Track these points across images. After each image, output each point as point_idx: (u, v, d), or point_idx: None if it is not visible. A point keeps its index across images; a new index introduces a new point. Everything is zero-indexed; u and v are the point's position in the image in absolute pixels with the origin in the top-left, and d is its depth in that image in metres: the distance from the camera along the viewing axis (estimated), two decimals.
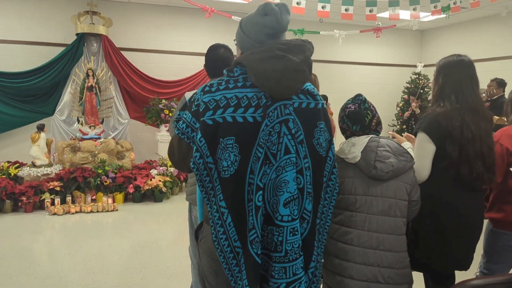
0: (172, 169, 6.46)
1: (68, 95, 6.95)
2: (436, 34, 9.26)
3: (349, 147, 1.89)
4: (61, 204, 5.51)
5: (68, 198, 5.58)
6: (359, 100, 1.96)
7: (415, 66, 9.37)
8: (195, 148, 1.50)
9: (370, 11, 4.64)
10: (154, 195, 6.07)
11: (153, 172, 6.31)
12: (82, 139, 6.60)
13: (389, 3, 4.68)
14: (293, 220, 1.47)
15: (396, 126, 8.96)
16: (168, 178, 6.22)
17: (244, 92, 1.51)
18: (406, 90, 8.92)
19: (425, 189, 1.95)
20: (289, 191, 1.47)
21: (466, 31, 8.53)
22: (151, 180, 6.09)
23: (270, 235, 1.48)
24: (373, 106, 1.96)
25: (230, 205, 1.48)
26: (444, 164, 2.01)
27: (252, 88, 1.51)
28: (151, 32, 7.74)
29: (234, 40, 1.82)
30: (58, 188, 5.62)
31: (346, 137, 2.00)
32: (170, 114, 7.05)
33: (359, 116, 1.92)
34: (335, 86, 8.83)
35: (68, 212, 5.39)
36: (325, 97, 7.77)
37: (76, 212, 5.44)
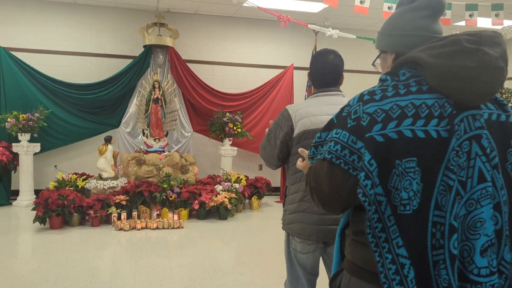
0: (237, 185, 6.17)
1: (133, 107, 6.90)
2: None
3: None
4: (127, 219, 5.35)
5: (134, 213, 5.43)
6: None
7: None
8: (363, 175, 1.13)
9: (470, 15, 4.14)
10: (219, 212, 5.80)
11: (218, 187, 6.06)
12: (147, 152, 6.48)
13: (491, 6, 4.17)
14: (491, 274, 1.09)
15: None
16: (233, 195, 5.94)
17: (421, 98, 1.15)
18: None
19: None
20: (487, 233, 1.09)
21: None
22: (216, 196, 5.83)
23: None
24: None
25: (414, 254, 1.10)
26: None
27: (430, 94, 1.16)
28: (216, 43, 7.59)
29: (374, 64, 1.49)
30: (124, 202, 5.48)
31: None
32: (234, 128, 6.81)
33: None
34: None
35: (134, 228, 5.22)
36: None
37: (142, 228, 5.25)
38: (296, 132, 2.12)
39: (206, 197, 5.77)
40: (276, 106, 7.38)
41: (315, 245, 2.17)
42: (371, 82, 8.57)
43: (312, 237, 2.14)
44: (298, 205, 2.17)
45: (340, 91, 2.23)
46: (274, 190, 7.00)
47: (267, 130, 2.32)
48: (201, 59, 7.52)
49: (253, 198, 6.49)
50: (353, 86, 8.57)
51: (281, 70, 7.58)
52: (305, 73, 7.91)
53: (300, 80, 7.72)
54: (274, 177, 7.48)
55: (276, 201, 7.21)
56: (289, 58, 7.77)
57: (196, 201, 5.72)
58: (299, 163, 1.52)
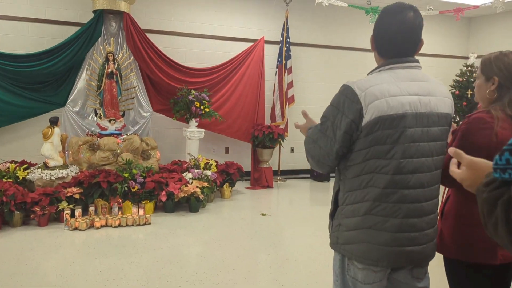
0: (208, 172, 5.49)
1: (82, 82, 5.92)
2: (486, 22, 8.36)
3: None
4: (82, 216, 4.52)
5: (91, 209, 4.60)
6: None
7: (463, 57, 8.49)
8: None
9: None
10: (190, 204, 5.11)
11: (187, 176, 5.34)
12: (101, 135, 5.59)
13: None
14: None
15: None
16: (206, 184, 5.26)
17: None
18: (456, 84, 8.02)
19: None
20: None
21: None
22: (186, 185, 5.12)
23: None
24: None
25: None
26: None
27: None
28: (177, 11, 6.72)
29: None
30: (77, 196, 4.63)
31: None
32: (202, 107, 6.06)
33: None
34: None
35: (92, 226, 4.41)
36: None
37: (102, 226, 4.46)
38: (366, 119, 1.51)
39: (174, 187, 5.05)
40: (245, 83, 6.71)
41: (383, 273, 1.60)
42: (369, 61, 8.14)
43: (382, 262, 1.57)
44: (362, 220, 1.58)
45: (418, 61, 1.63)
46: (244, 175, 6.39)
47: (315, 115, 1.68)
48: (160, 28, 6.63)
49: (224, 186, 5.84)
50: (349, 65, 8.00)
51: (249, 44, 6.88)
52: (275, 48, 7.33)
53: (270, 55, 7.07)
54: (243, 160, 6.87)
55: (247, 187, 6.61)
56: (258, 31, 7.08)
57: (163, 192, 4.98)
58: (455, 170, 0.95)
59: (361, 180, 1.59)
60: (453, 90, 8.02)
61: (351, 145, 1.58)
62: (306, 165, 7.63)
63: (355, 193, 1.61)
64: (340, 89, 1.60)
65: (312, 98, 7.61)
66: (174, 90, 6.23)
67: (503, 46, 7.91)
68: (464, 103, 7.74)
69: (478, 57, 7.95)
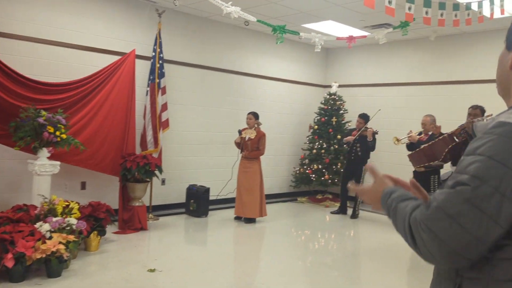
0: (73, 220, 4.17)
1: None
2: (340, 54, 8.86)
3: None
4: None
5: None
6: None
7: (325, 86, 8.85)
8: None
9: (410, 8, 3.59)
10: (49, 267, 3.75)
11: (43, 227, 3.94)
12: None
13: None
14: None
15: (310, 150, 8.16)
16: (72, 237, 3.95)
17: None
18: (321, 112, 8.23)
19: None
20: None
21: (372, 53, 8.27)
22: (43, 242, 3.75)
23: None
24: None
25: None
26: None
27: None
28: (16, 8, 5.19)
29: None
30: None
31: None
32: (57, 133, 4.70)
33: None
34: (244, 102, 7.51)
35: None
36: (256, 115, 6.43)
37: None
38: None
39: (25, 246, 3.63)
40: (112, 103, 5.53)
41: None
42: (253, 86, 7.59)
43: None
44: None
45: None
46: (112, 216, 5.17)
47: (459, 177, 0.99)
48: None
49: (92, 235, 4.56)
50: (230, 89, 7.31)
51: (115, 57, 5.75)
52: (147, 64, 6.27)
53: (140, 72, 6.05)
54: (106, 197, 5.64)
55: (115, 232, 5.37)
56: (127, 43, 6.01)
57: (9, 255, 3.52)
58: None
59: None
60: (319, 117, 8.23)
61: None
62: (178, 199, 6.77)
63: None
64: (500, 131, 0.96)
65: (188, 123, 6.82)
66: (16, 110, 4.69)
67: (357, 76, 8.50)
68: (330, 129, 7.98)
69: (339, 86, 8.33)
